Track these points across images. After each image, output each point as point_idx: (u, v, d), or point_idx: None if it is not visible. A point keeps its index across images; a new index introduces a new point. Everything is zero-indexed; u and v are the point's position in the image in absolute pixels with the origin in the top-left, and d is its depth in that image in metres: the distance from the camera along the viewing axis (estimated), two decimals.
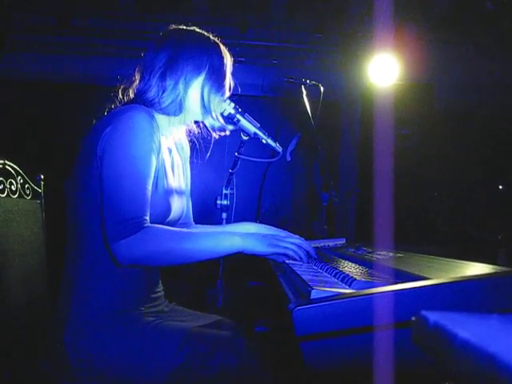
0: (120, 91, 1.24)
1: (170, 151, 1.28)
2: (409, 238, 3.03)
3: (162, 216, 1.15)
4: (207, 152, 1.39)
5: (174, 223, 1.24)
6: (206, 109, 1.22)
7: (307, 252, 1.16)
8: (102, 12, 3.76)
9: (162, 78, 1.17)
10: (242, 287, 2.94)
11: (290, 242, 1.14)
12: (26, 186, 1.42)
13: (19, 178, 1.39)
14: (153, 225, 1.03)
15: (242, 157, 1.72)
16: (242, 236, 1.11)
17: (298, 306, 0.61)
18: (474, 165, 3.58)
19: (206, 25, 1.34)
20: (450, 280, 0.63)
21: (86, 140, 1.11)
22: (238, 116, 1.36)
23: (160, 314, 1.20)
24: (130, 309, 1.12)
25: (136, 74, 1.24)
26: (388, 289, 0.63)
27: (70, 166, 1.15)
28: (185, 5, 3.63)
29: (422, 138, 3.40)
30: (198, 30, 1.27)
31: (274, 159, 1.54)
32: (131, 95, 1.23)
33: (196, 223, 1.49)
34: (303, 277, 0.85)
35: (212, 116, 1.25)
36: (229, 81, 1.28)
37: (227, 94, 1.29)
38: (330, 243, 1.68)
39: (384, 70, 3.11)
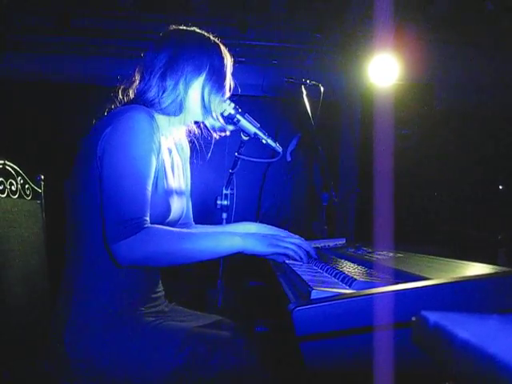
0: (120, 91, 1.24)
1: (170, 151, 1.28)
2: (409, 238, 3.04)
3: (162, 216, 1.15)
4: (207, 152, 1.39)
5: (173, 224, 1.24)
6: (206, 109, 1.22)
7: (307, 252, 1.16)
8: (102, 12, 3.76)
9: (163, 78, 1.17)
10: (242, 287, 2.94)
11: (290, 242, 1.14)
12: (26, 186, 1.42)
13: (19, 178, 1.39)
14: (153, 225, 1.03)
15: (242, 157, 1.72)
16: (242, 236, 1.11)
17: (298, 306, 0.61)
18: (474, 165, 3.58)
19: (206, 25, 1.34)
20: (450, 280, 0.63)
21: (86, 140, 1.11)
22: (238, 116, 1.36)
23: (160, 314, 1.20)
24: (130, 309, 1.11)
25: (136, 74, 1.24)
26: (388, 289, 0.63)
27: (69, 166, 1.15)
28: (185, 5, 3.63)
29: (422, 138, 3.40)
30: (198, 30, 1.27)
31: (274, 159, 1.54)
32: (131, 95, 1.23)
33: (196, 223, 1.49)
34: (303, 277, 0.85)
35: (212, 116, 1.25)
36: (229, 81, 1.28)
37: (227, 94, 1.29)
38: (330, 243, 1.68)
39: (384, 69, 3.11)
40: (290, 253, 1.12)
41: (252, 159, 1.72)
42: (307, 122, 2.19)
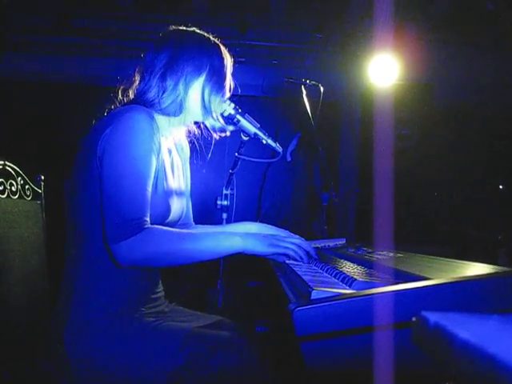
0: (120, 92, 1.24)
1: (170, 152, 1.28)
2: (409, 238, 3.04)
3: (162, 217, 1.15)
4: (208, 153, 1.39)
5: (173, 224, 1.24)
6: (206, 109, 1.22)
7: (307, 252, 1.16)
8: (102, 12, 3.76)
9: (163, 78, 1.17)
10: (242, 287, 2.94)
11: (291, 242, 1.14)
12: (27, 186, 1.42)
13: (19, 178, 1.39)
14: (153, 226, 1.03)
15: (242, 157, 1.72)
16: (242, 236, 1.11)
17: (299, 306, 0.61)
18: (474, 165, 3.58)
19: (206, 25, 1.34)
20: (450, 280, 0.63)
21: (86, 140, 1.11)
22: (238, 116, 1.36)
23: (160, 314, 1.20)
24: (130, 309, 1.11)
25: (136, 74, 1.24)
26: (388, 289, 0.63)
27: (69, 167, 1.15)
28: (185, 5, 3.63)
29: (422, 138, 3.40)
30: (198, 30, 1.27)
31: (274, 159, 1.54)
32: (131, 96, 1.23)
33: (196, 223, 1.49)
34: (303, 277, 0.85)
35: (212, 117, 1.25)
36: (229, 81, 1.28)
37: (227, 94, 1.29)
38: (331, 243, 1.68)
39: (384, 70, 3.11)
40: (291, 253, 1.12)
41: (252, 159, 1.72)
42: (307, 122, 2.19)
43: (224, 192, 1.92)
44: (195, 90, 1.20)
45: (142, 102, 1.17)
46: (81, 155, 1.12)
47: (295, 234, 1.33)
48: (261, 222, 1.48)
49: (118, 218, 0.99)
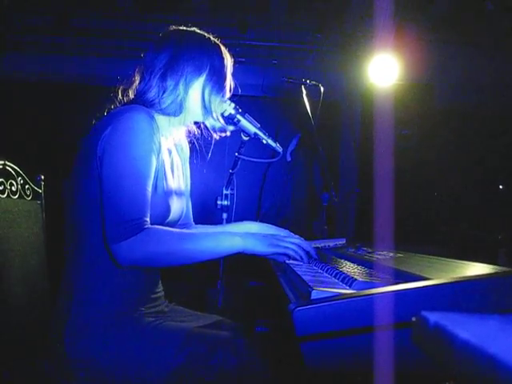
0: (120, 92, 1.24)
1: (170, 152, 1.28)
2: (409, 238, 3.04)
3: (162, 217, 1.15)
4: (208, 152, 1.39)
5: (173, 224, 1.24)
6: (206, 109, 1.22)
7: (307, 252, 1.16)
8: (102, 12, 3.76)
9: (163, 78, 1.17)
10: (242, 287, 2.94)
11: (291, 242, 1.14)
12: (27, 186, 1.42)
13: (19, 178, 1.39)
14: (153, 226, 1.03)
15: (242, 157, 1.72)
16: (242, 236, 1.11)
17: (299, 306, 0.61)
18: (474, 165, 3.58)
19: (206, 25, 1.34)
20: (450, 280, 0.63)
21: (86, 140, 1.11)
22: (239, 116, 1.36)
23: (160, 314, 1.20)
24: (130, 309, 1.11)
25: (136, 74, 1.24)
26: (388, 289, 0.63)
27: (69, 166, 1.15)
28: (185, 5, 3.63)
29: (422, 138, 3.40)
30: (198, 30, 1.27)
31: (274, 159, 1.54)
32: (131, 96, 1.23)
33: (196, 223, 1.49)
34: (303, 277, 0.85)
35: (212, 116, 1.25)
36: (229, 81, 1.28)
37: (228, 94, 1.29)
38: (331, 243, 1.68)
39: (384, 70, 3.11)
40: (291, 253, 1.12)
41: (252, 159, 1.72)
42: (307, 122, 2.19)
43: (224, 192, 1.92)
44: (195, 90, 1.20)
45: (142, 101, 1.17)
46: (81, 155, 1.12)
47: (295, 233, 1.33)
48: (261, 221, 1.48)
49: (118, 217, 0.99)
